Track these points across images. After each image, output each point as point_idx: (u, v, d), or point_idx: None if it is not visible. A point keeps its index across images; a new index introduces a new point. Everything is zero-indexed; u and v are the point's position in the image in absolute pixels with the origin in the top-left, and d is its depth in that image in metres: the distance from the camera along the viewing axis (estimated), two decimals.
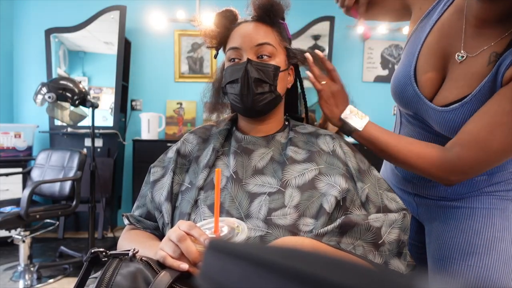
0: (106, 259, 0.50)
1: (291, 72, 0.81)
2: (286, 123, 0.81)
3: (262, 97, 0.71)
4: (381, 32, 3.56)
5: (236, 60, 0.73)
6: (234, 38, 0.74)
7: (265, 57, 0.72)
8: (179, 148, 0.79)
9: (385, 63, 3.64)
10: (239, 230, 0.55)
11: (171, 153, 0.79)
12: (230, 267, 0.21)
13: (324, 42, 3.43)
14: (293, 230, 0.63)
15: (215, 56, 0.83)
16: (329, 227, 0.61)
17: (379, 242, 0.63)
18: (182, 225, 0.55)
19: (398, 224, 0.66)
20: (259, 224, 0.63)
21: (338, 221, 0.62)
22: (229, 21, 0.76)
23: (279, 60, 0.74)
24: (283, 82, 0.76)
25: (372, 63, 3.62)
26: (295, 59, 0.78)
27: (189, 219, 0.67)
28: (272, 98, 0.72)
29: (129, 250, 0.51)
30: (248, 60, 0.70)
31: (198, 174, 0.73)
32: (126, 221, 0.77)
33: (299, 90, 0.87)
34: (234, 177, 0.70)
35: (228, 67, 0.74)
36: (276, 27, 0.75)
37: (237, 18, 0.77)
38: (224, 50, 0.79)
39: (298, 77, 0.83)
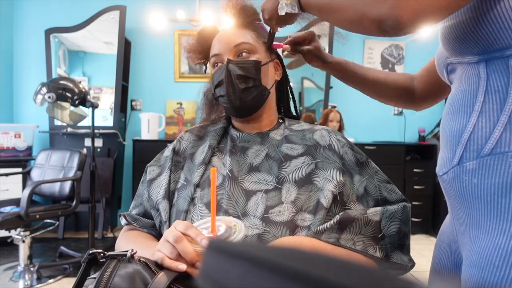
0: (104, 260, 0.50)
1: (278, 66, 0.82)
2: (281, 121, 0.82)
3: (248, 92, 0.72)
4: None
5: (219, 65, 0.75)
6: (213, 46, 0.77)
7: (244, 54, 0.74)
8: (175, 146, 0.80)
9: (385, 63, 3.64)
10: (236, 229, 0.55)
11: (167, 152, 0.80)
12: (230, 267, 0.20)
13: (324, 42, 3.43)
14: (291, 226, 0.63)
15: (205, 71, 0.85)
16: (328, 224, 0.61)
17: (379, 236, 0.63)
18: (178, 225, 0.54)
19: (398, 216, 0.66)
20: (256, 222, 0.63)
21: (337, 217, 0.62)
22: (210, 33, 0.79)
23: (259, 55, 0.75)
24: (269, 76, 0.77)
25: (372, 63, 3.62)
26: (275, 52, 0.80)
27: (186, 217, 0.67)
28: (259, 92, 0.73)
29: (127, 251, 0.50)
30: (228, 60, 0.72)
31: (193, 171, 0.74)
32: (123, 221, 0.77)
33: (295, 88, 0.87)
34: (230, 175, 0.71)
35: (213, 73, 0.76)
36: (251, 28, 0.77)
37: (217, 30, 0.80)
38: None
39: (283, 70, 0.84)
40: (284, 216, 0.63)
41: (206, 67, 0.84)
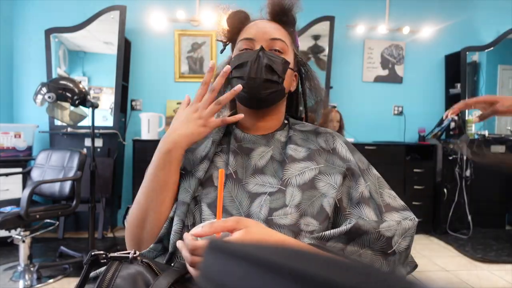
0: (105, 261, 0.50)
1: (295, 78, 0.81)
2: (286, 121, 0.81)
3: (269, 85, 0.71)
4: (381, 32, 3.55)
5: (248, 50, 0.73)
6: (248, 30, 0.75)
7: (277, 52, 0.73)
8: None
9: (385, 63, 3.63)
10: None
11: None
12: (230, 267, 0.21)
13: (324, 42, 3.43)
14: (294, 229, 0.62)
15: (222, 52, 0.83)
16: (336, 232, 0.60)
17: (389, 252, 0.62)
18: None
19: (410, 233, 0.64)
20: None
21: (346, 227, 0.60)
22: (244, 16, 0.78)
23: (289, 58, 0.75)
24: (289, 80, 0.76)
25: (372, 63, 3.62)
26: (300, 66, 0.80)
27: (188, 209, 0.66)
28: (278, 90, 0.72)
29: (129, 253, 0.51)
30: (262, 47, 0.71)
31: (195, 163, 0.72)
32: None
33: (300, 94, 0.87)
34: (234, 176, 0.70)
35: (237, 54, 0.74)
36: (289, 31, 0.77)
37: (249, 19, 0.78)
38: (232, 46, 0.80)
39: (301, 84, 0.84)
40: (287, 219, 0.63)
41: (224, 48, 0.82)
